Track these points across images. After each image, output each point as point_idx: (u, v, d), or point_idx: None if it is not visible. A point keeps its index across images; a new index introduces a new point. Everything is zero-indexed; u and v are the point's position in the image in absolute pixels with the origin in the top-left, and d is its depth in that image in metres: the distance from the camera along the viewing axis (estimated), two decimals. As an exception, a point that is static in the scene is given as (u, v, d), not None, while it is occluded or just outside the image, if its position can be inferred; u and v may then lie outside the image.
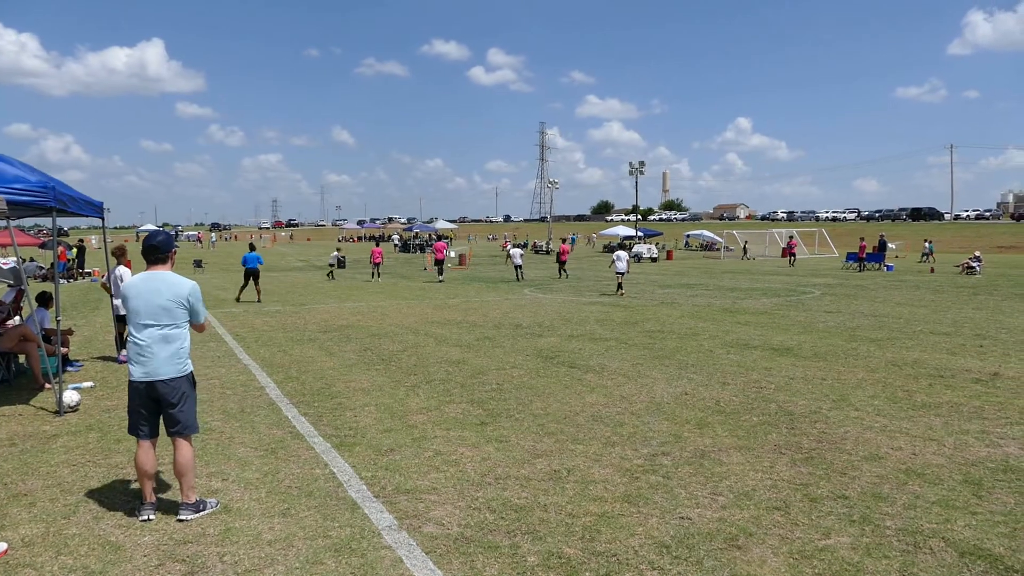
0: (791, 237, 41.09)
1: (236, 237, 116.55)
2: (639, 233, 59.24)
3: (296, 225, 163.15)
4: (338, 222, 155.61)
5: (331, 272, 30.32)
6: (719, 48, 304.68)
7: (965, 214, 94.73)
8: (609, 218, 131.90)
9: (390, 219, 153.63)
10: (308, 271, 36.42)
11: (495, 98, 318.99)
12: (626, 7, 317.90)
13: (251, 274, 19.87)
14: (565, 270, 30.72)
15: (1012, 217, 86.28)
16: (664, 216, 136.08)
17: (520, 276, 29.28)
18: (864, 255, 34.33)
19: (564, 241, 33.97)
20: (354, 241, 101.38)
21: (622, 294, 21.24)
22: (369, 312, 17.11)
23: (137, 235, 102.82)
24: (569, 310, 17.35)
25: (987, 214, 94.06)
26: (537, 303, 19.24)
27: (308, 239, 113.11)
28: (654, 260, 45.30)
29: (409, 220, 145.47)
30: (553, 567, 4.09)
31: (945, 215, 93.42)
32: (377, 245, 36.36)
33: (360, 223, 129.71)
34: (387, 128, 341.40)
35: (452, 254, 50.11)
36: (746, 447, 6.29)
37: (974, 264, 30.72)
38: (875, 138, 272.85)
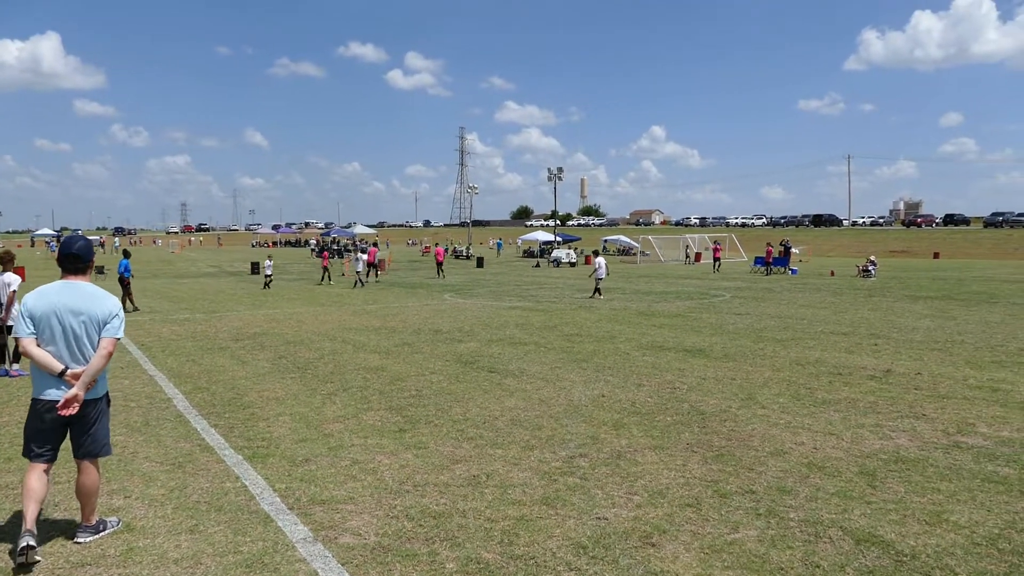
0: (715, 243, 42.47)
1: (141, 242, 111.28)
2: (558, 238, 60.01)
3: (207, 229, 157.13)
4: (252, 227, 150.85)
5: (268, 282, 27.14)
6: (634, 57, 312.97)
7: (861, 220, 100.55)
8: (529, 223, 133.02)
9: (307, 224, 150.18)
10: (220, 277, 35.15)
11: (414, 102, 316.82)
12: (544, 15, 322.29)
13: (121, 281, 19.46)
14: (442, 271, 32.74)
15: (903, 223, 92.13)
16: (582, 221, 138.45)
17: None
18: (771, 259, 35.88)
19: (438, 244, 36.71)
20: (269, 246, 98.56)
21: (600, 298, 21.67)
22: (284, 319, 16.66)
23: (32, 240, 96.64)
24: (489, 315, 17.40)
25: (881, 220, 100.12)
26: (457, 308, 19.20)
27: (220, 244, 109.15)
28: (573, 265, 45.97)
29: (327, 225, 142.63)
30: (472, 572, 4.09)
31: (844, 221, 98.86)
32: (324, 250, 36.87)
33: (275, 228, 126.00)
34: (302, 131, 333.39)
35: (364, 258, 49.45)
36: (660, 447, 6.47)
37: (870, 268, 32.60)
38: (780, 148, 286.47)
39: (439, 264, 34.01)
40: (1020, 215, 78.09)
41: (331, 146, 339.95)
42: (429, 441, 6.67)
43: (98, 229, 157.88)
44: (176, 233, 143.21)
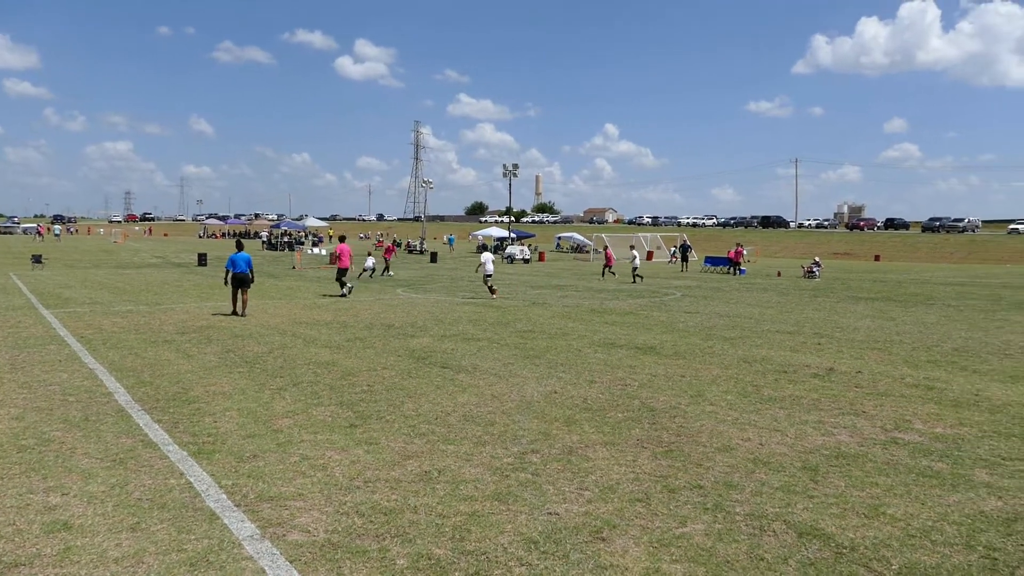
0: (685, 242, 42.87)
1: (79, 231, 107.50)
2: (512, 234, 60.13)
3: (152, 219, 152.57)
4: (199, 217, 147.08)
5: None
6: (589, 54, 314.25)
7: (807, 223, 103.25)
8: (483, 219, 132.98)
9: (256, 215, 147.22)
10: (165, 268, 34.20)
11: (365, 92, 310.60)
12: (499, 8, 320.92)
13: None
14: (389, 269, 31.05)
15: (846, 226, 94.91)
16: (537, 218, 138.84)
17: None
18: (738, 259, 36.29)
19: (387, 239, 34.03)
20: (217, 237, 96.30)
21: (495, 296, 21.29)
22: (230, 310, 16.29)
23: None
24: (442, 310, 17.33)
25: (826, 223, 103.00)
26: (410, 303, 19.08)
27: (165, 234, 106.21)
28: (527, 261, 46.12)
29: (278, 216, 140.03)
30: (423, 569, 4.07)
31: (790, 223, 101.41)
32: (343, 241, 32.04)
33: (223, 219, 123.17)
34: (249, 119, 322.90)
35: (322, 252, 48.73)
36: (611, 442, 6.54)
37: (814, 269, 33.51)
38: (731, 149, 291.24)
39: (341, 272, 27.29)
40: (955, 221, 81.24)
41: (280, 135, 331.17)
42: (380, 437, 6.62)
43: (36, 217, 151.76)
44: (119, 222, 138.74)
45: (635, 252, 32.00)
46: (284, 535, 4.49)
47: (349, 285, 20.96)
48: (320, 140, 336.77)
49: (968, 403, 8.23)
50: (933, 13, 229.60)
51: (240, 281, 15.56)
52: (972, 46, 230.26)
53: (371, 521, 4.72)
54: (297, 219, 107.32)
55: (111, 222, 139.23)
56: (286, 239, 64.72)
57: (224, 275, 16.17)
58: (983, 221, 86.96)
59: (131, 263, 37.73)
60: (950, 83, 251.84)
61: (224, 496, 5.11)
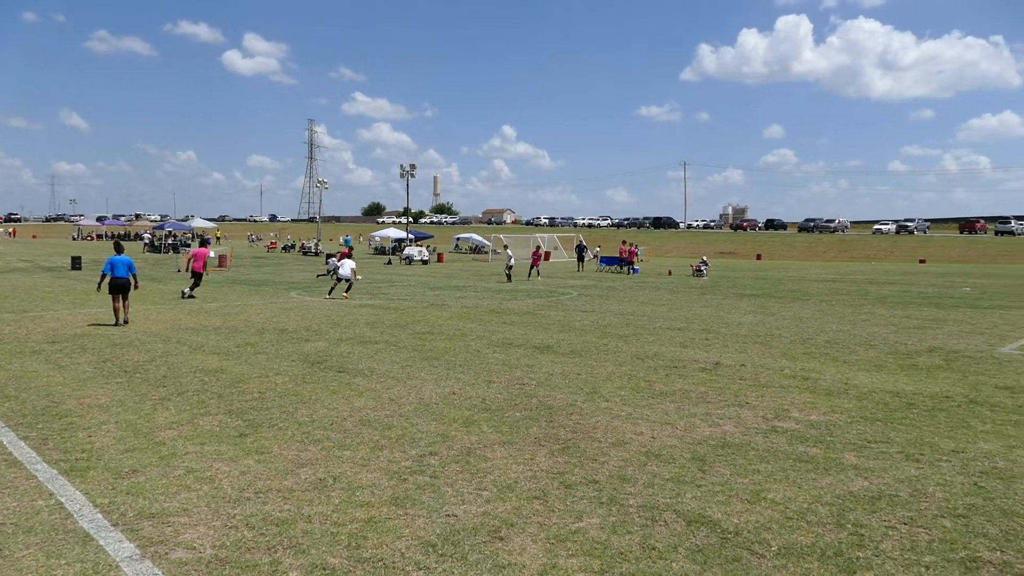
0: (580, 243, 43.40)
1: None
2: (410, 235, 59.59)
3: (18, 220, 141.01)
4: (73, 218, 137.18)
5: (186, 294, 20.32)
6: (486, 55, 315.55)
7: (696, 223, 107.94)
8: (381, 220, 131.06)
9: (137, 216, 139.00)
10: (34, 273, 31.69)
11: (255, 88, 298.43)
12: (395, 6, 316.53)
13: None
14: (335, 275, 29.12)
15: (731, 227, 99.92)
16: (435, 219, 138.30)
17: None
18: (627, 257, 37.39)
19: (204, 243, 29.30)
20: (92, 239, 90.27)
21: (346, 297, 20.86)
22: (110, 318, 15.30)
23: None
24: (338, 313, 16.95)
25: (712, 224, 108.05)
26: (304, 307, 18.54)
27: (34, 236, 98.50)
28: (425, 263, 45.82)
29: (162, 217, 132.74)
30: (317, 579, 3.96)
31: (680, 224, 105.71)
32: (203, 245, 23.62)
33: (100, 220, 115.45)
34: (129, 114, 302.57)
35: (210, 255, 46.59)
36: (509, 441, 6.59)
37: (702, 268, 35.06)
38: (624, 152, 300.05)
39: (195, 276, 20.85)
40: (827, 222, 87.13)
41: (162, 132, 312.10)
42: (272, 445, 6.39)
43: None
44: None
45: (509, 252, 32.95)
46: (167, 553, 4.25)
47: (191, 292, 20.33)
48: (207, 137, 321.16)
49: (839, 391, 8.84)
50: (806, 27, 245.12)
51: (120, 287, 14.43)
52: (840, 59, 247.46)
53: (262, 533, 4.55)
54: (183, 220, 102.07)
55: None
56: (171, 241, 61.50)
57: (98, 280, 14.87)
58: (851, 222, 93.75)
59: (-7, 267, 34.74)
60: (822, 93, 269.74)
61: (100, 515, 4.79)
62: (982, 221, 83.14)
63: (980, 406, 8.11)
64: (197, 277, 20.48)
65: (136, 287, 14.86)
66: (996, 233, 75.57)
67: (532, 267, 33.38)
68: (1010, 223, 76.80)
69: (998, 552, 4.37)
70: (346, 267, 21.52)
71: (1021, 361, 11.12)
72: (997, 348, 12.40)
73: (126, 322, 14.31)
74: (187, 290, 20.34)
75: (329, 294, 21.28)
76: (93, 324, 14.48)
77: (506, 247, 33.08)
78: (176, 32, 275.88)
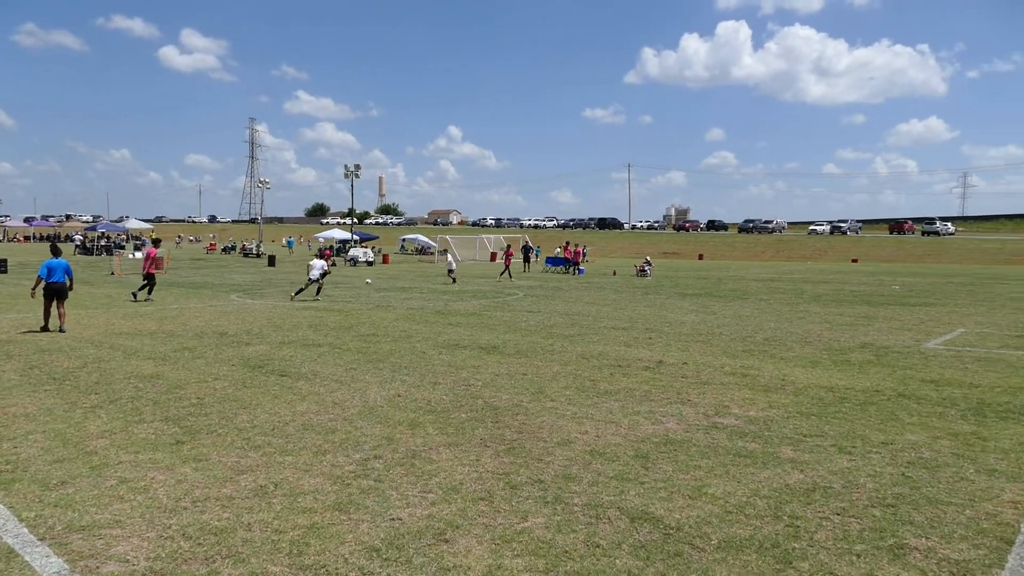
0: (527, 243, 43.02)
1: None
2: (355, 236, 58.85)
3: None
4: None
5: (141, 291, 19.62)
6: (431, 55, 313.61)
7: (640, 224, 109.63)
8: (325, 221, 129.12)
9: (68, 216, 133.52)
10: (-47, 277, 30.14)
11: (194, 86, 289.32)
12: (338, 4, 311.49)
13: None
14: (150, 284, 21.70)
15: (674, 227, 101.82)
16: (380, 220, 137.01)
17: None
18: (571, 257, 37.68)
19: (156, 243, 22.84)
20: (20, 241, 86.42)
21: (318, 299, 20.51)
22: (37, 324, 14.66)
23: None
24: (280, 315, 16.62)
25: (656, 225, 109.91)
26: (245, 309, 18.11)
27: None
28: (370, 264, 45.32)
29: (95, 218, 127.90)
30: (257, 588, 3.88)
31: (625, 224, 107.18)
32: (156, 243, 22.08)
33: (28, 220, 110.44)
34: (58, 111, 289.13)
35: (138, 255, 45.11)
36: (455, 443, 6.57)
37: (646, 268, 35.61)
38: (569, 153, 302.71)
39: (147, 278, 20.35)
40: (766, 223, 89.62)
41: (94, 130, 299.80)
42: (211, 452, 6.23)
43: None
44: None
45: (450, 257, 33.20)
46: (98, 568, 4.10)
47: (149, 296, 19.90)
48: (143, 136, 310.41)
49: (776, 387, 9.10)
50: (745, 33, 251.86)
51: (57, 292, 13.72)
52: (778, 64, 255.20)
53: (199, 543, 4.42)
54: (117, 221, 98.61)
55: None
56: (104, 242, 59.34)
57: (33, 284, 14.00)
58: (788, 223, 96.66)
59: (-91, 271, 32.90)
60: (761, 97, 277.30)
61: (25, 530, 4.58)
62: (910, 222, 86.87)
63: (908, 399, 8.46)
64: (149, 279, 20.01)
65: (71, 288, 14.22)
66: (923, 234, 79.03)
67: (506, 268, 33.10)
68: (935, 224, 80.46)
69: (924, 539, 4.57)
70: (315, 268, 20.86)
71: (945, 356, 11.64)
72: (923, 344, 12.95)
73: (63, 331, 13.51)
74: (136, 292, 19.76)
75: (294, 296, 20.57)
76: (20, 330, 13.86)
77: (445, 251, 31.34)
78: (109, 26, 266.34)
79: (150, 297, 19.84)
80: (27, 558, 4.19)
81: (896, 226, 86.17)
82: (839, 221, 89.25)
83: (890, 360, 11.16)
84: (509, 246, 36.81)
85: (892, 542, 4.52)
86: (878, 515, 4.94)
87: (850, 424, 7.33)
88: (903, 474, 5.79)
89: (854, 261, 57.19)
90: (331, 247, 36.44)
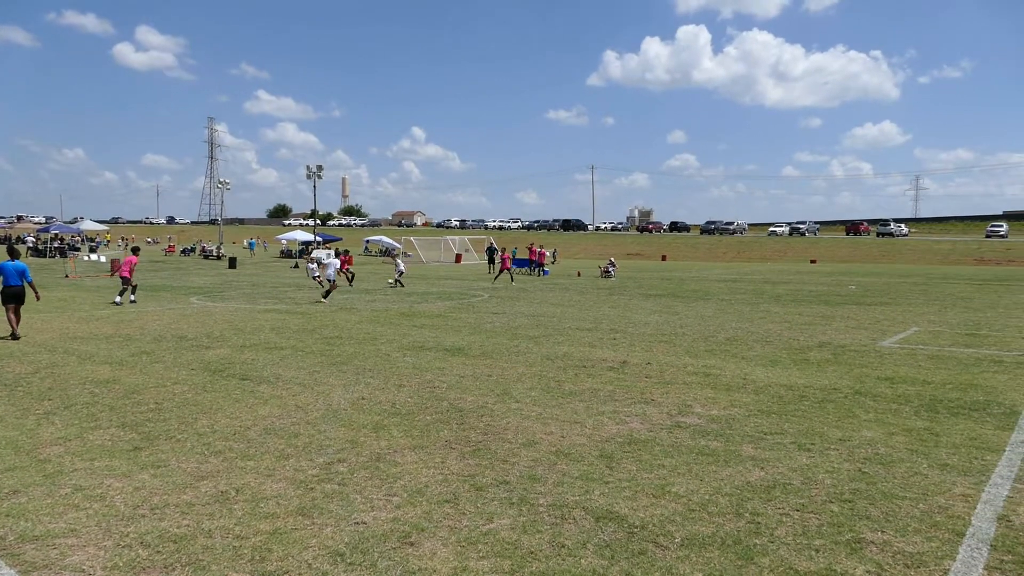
0: (491, 245, 43.23)
1: None
2: (318, 238, 58.19)
3: None
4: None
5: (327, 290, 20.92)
6: (394, 56, 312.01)
7: (604, 225, 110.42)
8: (287, 222, 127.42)
9: (19, 217, 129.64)
10: None
11: (150, 85, 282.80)
12: (299, 2, 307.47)
13: None
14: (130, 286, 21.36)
15: (637, 229, 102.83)
16: (344, 221, 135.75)
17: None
18: (541, 260, 37.76)
19: (135, 251, 22.53)
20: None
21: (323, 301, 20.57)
22: (-13, 329, 14.20)
23: None
24: (241, 319, 16.36)
25: (620, 226, 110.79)
26: (206, 312, 17.79)
27: None
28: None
29: (47, 219, 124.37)
30: (218, 596, 3.81)
31: (589, 226, 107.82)
32: (135, 253, 21.29)
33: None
34: (8, 108, 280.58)
35: (102, 259, 44.02)
36: (420, 446, 6.54)
37: (610, 269, 35.87)
38: (534, 155, 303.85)
39: (124, 280, 20.00)
40: (727, 224, 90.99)
41: (46, 128, 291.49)
42: (170, 458, 6.10)
43: None
44: None
45: (399, 261, 31.43)
46: (52, 578, 3.99)
47: (133, 297, 20.14)
48: (97, 135, 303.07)
49: (738, 386, 9.24)
50: (705, 37, 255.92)
51: (13, 296, 13.17)
52: (737, 68, 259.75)
53: (158, 551, 4.33)
54: (71, 222, 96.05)
55: None
56: (57, 244, 57.76)
57: None
58: (749, 224, 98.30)
59: None
60: (721, 100, 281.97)
61: (-25, 541, 4.43)
62: (865, 224, 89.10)
63: (864, 396, 8.67)
64: (126, 282, 19.84)
65: (37, 298, 13.62)
66: (878, 235, 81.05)
67: (502, 271, 32.64)
68: (889, 225, 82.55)
69: (880, 532, 4.69)
70: (331, 268, 21.81)
71: (899, 354, 11.96)
72: (879, 342, 13.28)
73: (16, 337, 12.97)
74: (119, 297, 19.71)
75: (325, 297, 20.96)
76: (-33, 334, 13.40)
77: (395, 255, 28.74)
78: (61, 22, 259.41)
79: (134, 299, 19.93)
80: (-23, 570, 4.06)
81: (852, 227, 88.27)
82: (798, 222, 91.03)
83: (847, 358, 11.42)
84: (503, 249, 36.05)
85: (849, 536, 4.62)
86: (836, 510, 5.06)
87: (809, 422, 7.48)
88: (860, 470, 5.93)
89: (812, 262, 58.41)
90: (347, 251, 35.74)
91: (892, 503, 5.20)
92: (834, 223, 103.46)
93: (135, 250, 21.53)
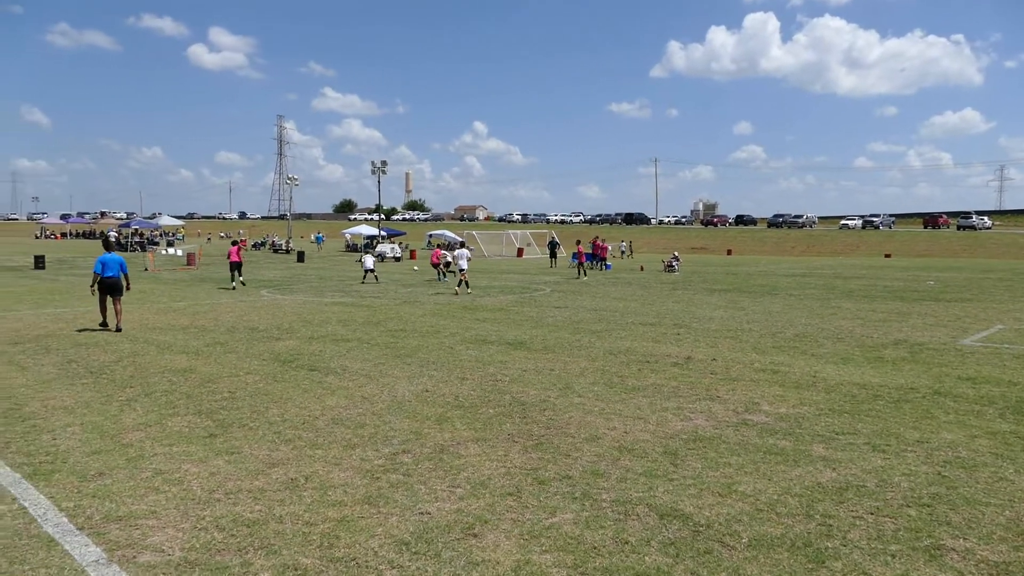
0: (553, 239, 43.07)
1: None
2: (383, 232, 59.24)
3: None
4: (35, 216, 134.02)
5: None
6: (457, 51, 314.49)
7: (667, 219, 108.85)
8: (352, 217, 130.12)
9: (102, 213, 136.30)
10: (-7, 272, 30.93)
11: (222, 84, 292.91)
12: (363, 1, 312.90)
13: None
14: (239, 274, 24.43)
15: (701, 222, 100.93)
16: (407, 216, 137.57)
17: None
18: (603, 254, 37.48)
19: (235, 243, 25.30)
20: (57, 238, 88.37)
21: (456, 293, 21.40)
22: (75, 318, 15.00)
23: None
24: (309, 311, 16.79)
25: (683, 220, 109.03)
26: (275, 305, 18.34)
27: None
28: (398, 260, 45.59)
29: (128, 215, 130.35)
30: (289, 580, 3.92)
31: (652, 220, 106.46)
32: (235, 243, 24.90)
33: (64, 217, 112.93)
34: (92, 109, 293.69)
35: (178, 253, 45.86)
36: (483, 438, 6.59)
37: (673, 263, 35.33)
38: (596, 148, 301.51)
39: (233, 265, 23.66)
40: (796, 217, 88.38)
41: (127, 128, 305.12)
42: (243, 445, 6.32)
43: None
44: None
45: (458, 254, 31.22)
46: (135, 557, 4.18)
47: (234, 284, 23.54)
48: (173, 133, 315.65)
49: (807, 384, 8.97)
50: (773, 24, 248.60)
51: (111, 287, 13.42)
52: (807, 56, 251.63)
53: (232, 534, 4.49)
54: (150, 217, 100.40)
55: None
56: (137, 239, 60.46)
57: (91, 281, 13.58)
58: (819, 217, 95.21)
59: (-48, 267, 33.85)
60: (789, 89, 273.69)
61: (65, 519, 4.69)
62: (945, 216, 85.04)
63: (943, 397, 8.29)
64: (234, 267, 23.51)
65: (128, 288, 13.85)
66: (958, 228, 77.29)
67: (580, 263, 31.80)
68: (971, 218, 78.63)
69: (961, 540, 4.48)
70: (462, 258, 22.93)
71: (983, 353, 11.39)
72: (959, 340, 12.68)
73: (119, 329, 13.16)
74: (234, 283, 23.27)
75: (459, 287, 22.08)
76: (58, 324, 14.17)
77: (454, 247, 26.71)
78: (139, 25, 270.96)
79: (237, 283, 23.25)
80: (67, 547, 4.29)
81: (930, 220, 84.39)
82: (871, 215, 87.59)
83: (925, 357, 10.94)
84: (578, 242, 34.16)
85: (928, 543, 4.43)
86: (913, 515, 4.86)
87: (884, 422, 7.21)
88: (939, 473, 5.68)
89: (887, 256, 56.20)
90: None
91: (975, 509, 4.95)
92: (910, 216, 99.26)
93: (235, 242, 24.83)
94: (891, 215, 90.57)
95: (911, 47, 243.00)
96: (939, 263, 46.02)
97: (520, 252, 54.31)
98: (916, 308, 18.16)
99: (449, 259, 26.38)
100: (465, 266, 22.57)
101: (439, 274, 27.87)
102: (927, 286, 25.82)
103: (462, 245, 24.17)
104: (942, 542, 4.44)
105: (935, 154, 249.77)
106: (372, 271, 26.80)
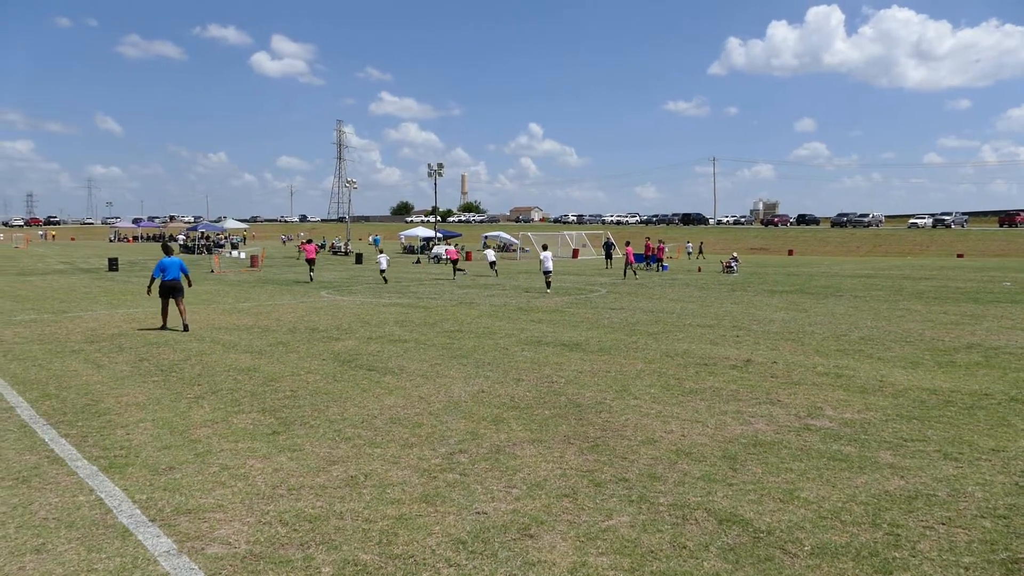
0: (608, 240, 43.03)
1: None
2: (439, 234, 59.86)
3: (58, 223, 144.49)
4: (109, 220, 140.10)
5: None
6: (511, 54, 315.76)
7: (726, 219, 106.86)
8: (409, 219, 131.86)
9: (171, 217, 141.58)
10: (72, 274, 32.47)
11: (284, 90, 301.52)
12: (419, 6, 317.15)
13: None
14: (313, 270, 29.40)
15: (761, 222, 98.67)
16: (463, 218, 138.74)
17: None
18: (660, 255, 37.02)
19: (310, 241, 31.35)
20: (129, 241, 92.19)
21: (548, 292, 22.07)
22: (145, 318, 15.63)
23: None
24: (368, 312, 17.09)
25: (743, 219, 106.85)
26: (335, 306, 18.73)
27: (72, 239, 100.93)
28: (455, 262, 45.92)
29: (195, 219, 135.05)
30: (349, 575, 4.01)
31: (710, 220, 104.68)
32: (309, 242, 30.71)
33: (136, 221, 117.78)
34: (161, 117, 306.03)
35: (242, 255, 47.29)
36: (538, 439, 6.59)
37: (732, 264, 34.67)
38: (651, 148, 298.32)
39: (309, 261, 29.32)
40: (861, 216, 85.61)
41: (194, 134, 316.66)
42: (304, 443, 6.48)
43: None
44: (20, 226, 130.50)
45: (487, 251, 35.07)
46: (203, 548, 4.33)
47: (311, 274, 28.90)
48: (237, 139, 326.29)
49: (873, 389, 8.68)
50: (837, 18, 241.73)
51: (172, 289, 13.70)
52: (873, 49, 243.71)
53: (295, 529, 4.61)
54: (215, 221, 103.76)
55: (8, 226, 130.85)
56: (204, 242, 62.57)
57: (148, 284, 13.94)
58: (886, 216, 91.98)
59: (35, 269, 35.69)
60: (854, 84, 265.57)
61: (138, 511, 4.89)
62: (1023, 214, 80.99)
63: (1021, 404, 7.91)
64: (311, 263, 28.96)
65: (189, 285, 14.17)
66: (1037, 226, 73.51)
67: (627, 265, 31.09)
68: (1052, 216, 74.67)
69: (1040, 553, 4.26)
70: (547, 261, 23.75)
71: (1064, 357, 10.82)
72: (1039, 344, 12.07)
73: (186, 328, 13.51)
74: (310, 276, 28.38)
75: (547, 288, 22.98)
76: (131, 324, 14.78)
77: (545, 246, 25.56)
78: (205, 35, 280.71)
79: (312, 276, 28.06)
80: (140, 537, 4.48)
81: (1007, 218, 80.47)
82: (942, 214, 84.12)
83: (1001, 361, 10.46)
84: (628, 242, 34.20)
85: (1005, 555, 4.24)
86: (988, 526, 4.65)
87: (956, 429, 6.92)
88: (1016, 484, 5.43)
89: (959, 256, 53.90)
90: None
91: (1055, 521, 4.71)
92: (985, 214, 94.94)
93: (309, 241, 29.74)
94: (964, 213, 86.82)
95: (986, 37, 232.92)
96: (1016, 263, 43.87)
97: (575, 253, 54.11)
98: (991, 311, 17.37)
99: (456, 256, 29.68)
100: (550, 267, 23.22)
101: (453, 272, 30.21)
102: (1003, 287, 24.66)
103: (544, 248, 24.40)
104: (1020, 555, 4.24)
105: (1012, 149, 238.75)
106: (383, 271, 28.12)
